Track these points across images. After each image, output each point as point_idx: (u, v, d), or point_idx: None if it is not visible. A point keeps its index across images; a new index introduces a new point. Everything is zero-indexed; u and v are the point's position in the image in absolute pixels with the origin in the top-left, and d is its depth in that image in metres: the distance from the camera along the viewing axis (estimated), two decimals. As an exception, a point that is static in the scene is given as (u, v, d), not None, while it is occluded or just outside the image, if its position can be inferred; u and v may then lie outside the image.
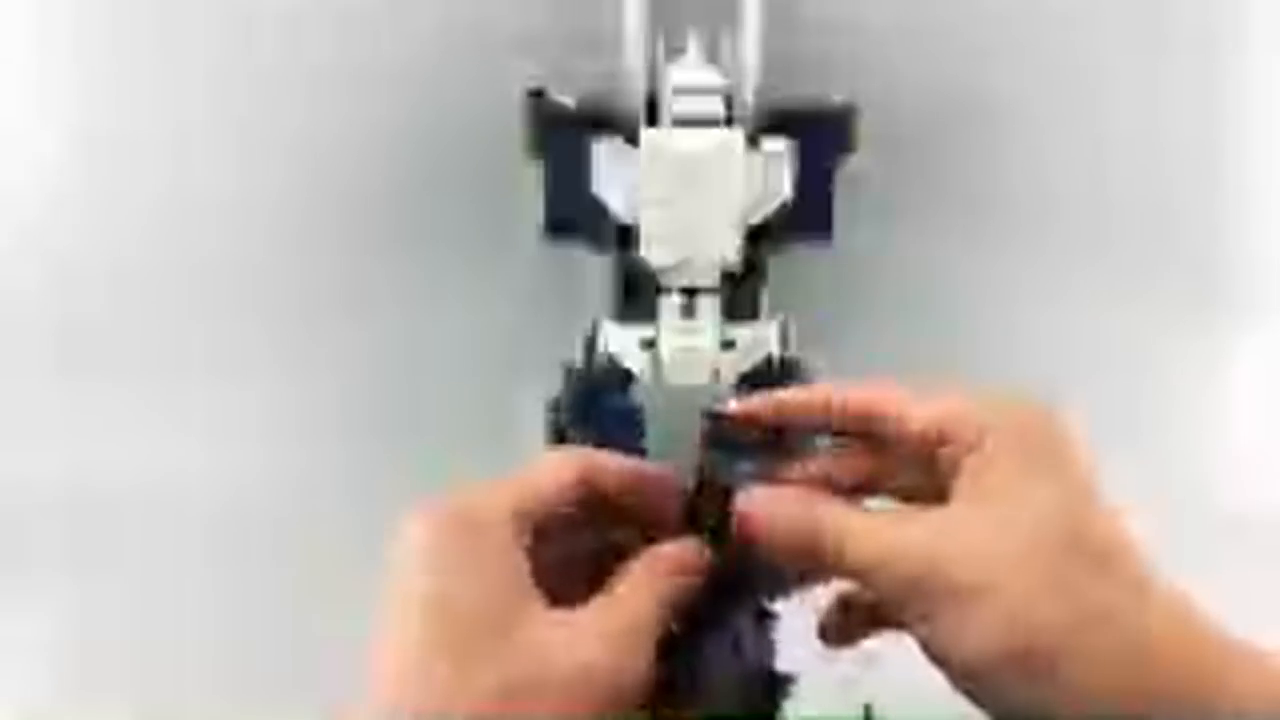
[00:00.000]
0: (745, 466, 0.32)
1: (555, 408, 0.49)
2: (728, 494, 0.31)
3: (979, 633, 0.25)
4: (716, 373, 0.47)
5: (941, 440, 0.29)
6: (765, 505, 0.30)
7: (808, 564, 0.29)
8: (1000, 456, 0.28)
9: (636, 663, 0.26)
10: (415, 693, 0.24)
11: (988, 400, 0.29)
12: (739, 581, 0.32)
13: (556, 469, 0.29)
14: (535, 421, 0.50)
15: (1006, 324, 0.56)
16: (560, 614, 0.26)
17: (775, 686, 0.35)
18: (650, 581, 0.28)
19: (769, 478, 0.32)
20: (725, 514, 0.31)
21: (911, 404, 0.30)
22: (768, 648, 0.36)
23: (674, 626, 0.30)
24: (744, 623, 0.34)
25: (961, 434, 0.28)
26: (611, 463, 0.30)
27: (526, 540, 0.27)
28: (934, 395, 0.30)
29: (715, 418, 0.33)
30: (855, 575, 0.28)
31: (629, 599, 0.27)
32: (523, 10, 0.50)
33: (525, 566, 0.27)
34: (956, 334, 0.56)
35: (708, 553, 0.30)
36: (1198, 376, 0.58)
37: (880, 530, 0.28)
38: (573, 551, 0.30)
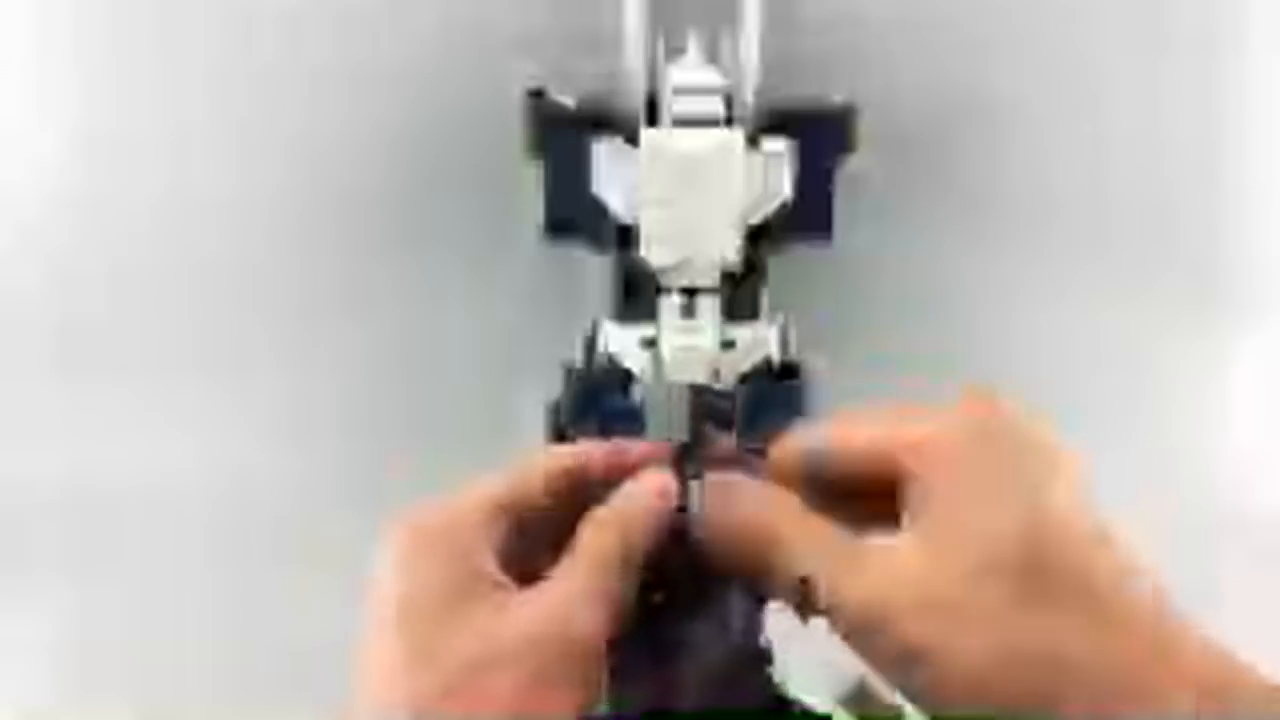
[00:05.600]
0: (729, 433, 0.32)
1: (555, 409, 0.50)
2: (721, 460, 0.31)
3: (931, 689, 0.25)
4: (716, 373, 0.47)
5: (887, 471, 0.28)
6: (721, 502, 0.29)
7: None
8: (943, 483, 0.26)
9: (585, 626, 0.26)
10: (389, 693, 0.25)
11: (936, 418, 0.28)
12: None
13: (541, 462, 0.30)
14: (535, 421, 0.50)
15: (1006, 324, 0.56)
16: (523, 594, 0.27)
17: (763, 663, 0.35)
18: (596, 543, 0.28)
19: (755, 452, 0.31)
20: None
21: (850, 439, 0.29)
22: (757, 624, 0.36)
23: (659, 599, 0.30)
24: (733, 600, 0.33)
25: (903, 461, 0.27)
26: (597, 449, 0.31)
27: (501, 532, 0.28)
28: (868, 422, 0.29)
29: (701, 392, 0.33)
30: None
31: (574, 569, 0.27)
32: (523, 10, 0.50)
33: (488, 558, 0.27)
34: (956, 334, 0.56)
35: (673, 484, 0.30)
36: (1198, 376, 0.58)
37: (834, 567, 0.26)
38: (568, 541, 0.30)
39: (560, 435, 0.50)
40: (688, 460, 0.31)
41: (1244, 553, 0.56)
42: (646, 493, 0.29)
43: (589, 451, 0.31)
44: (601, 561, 0.27)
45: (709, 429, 0.32)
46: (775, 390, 0.48)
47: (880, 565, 0.26)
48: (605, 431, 0.47)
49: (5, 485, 0.57)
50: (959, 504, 0.26)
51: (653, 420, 0.46)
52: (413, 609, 0.26)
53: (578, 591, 0.27)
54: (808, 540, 0.27)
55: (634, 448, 0.31)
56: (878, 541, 0.27)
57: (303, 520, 0.56)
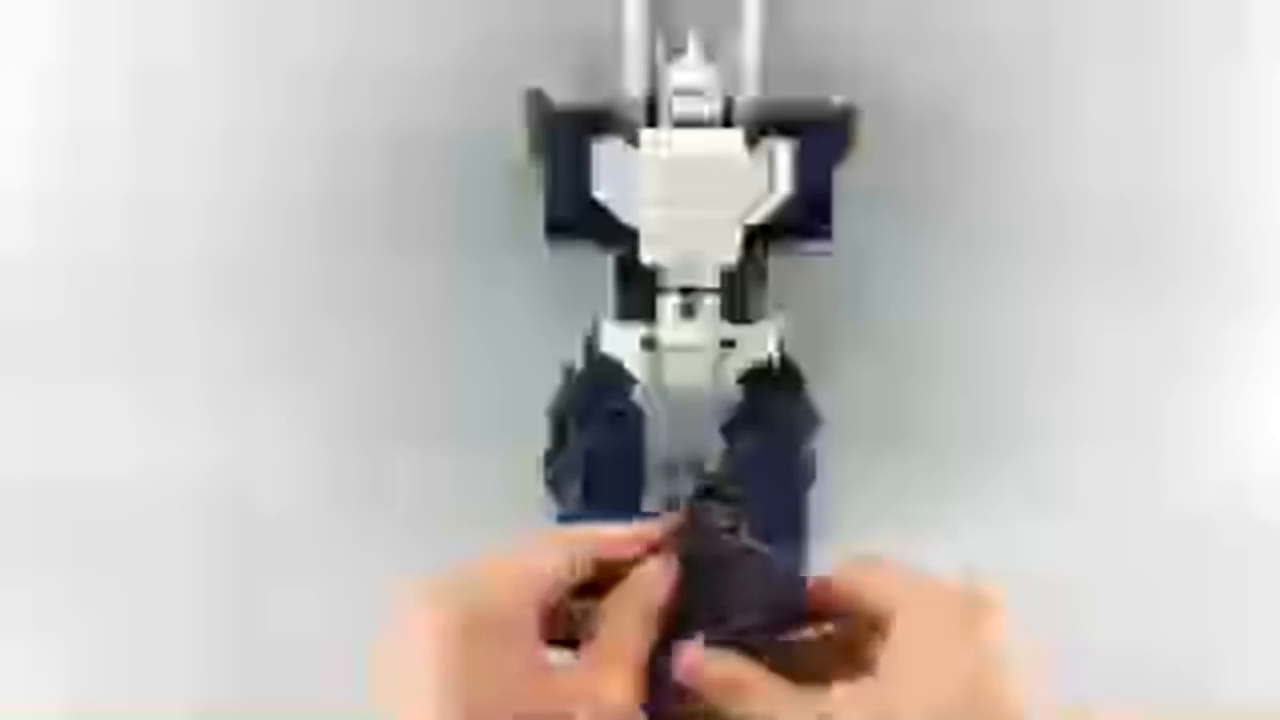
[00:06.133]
0: (724, 509, 0.34)
1: (555, 408, 0.50)
2: (711, 537, 0.33)
3: None
4: (716, 373, 0.47)
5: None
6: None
7: None
8: (901, 645, 0.29)
9: (630, 713, 0.29)
10: None
11: (905, 585, 0.30)
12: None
13: (562, 558, 0.31)
14: (535, 421, 0.50)
15: (1005, 325, 0.56)
16: (563, 684, 0.28)
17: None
18: (627, 635, 0.30)
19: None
20: (706, 553, 0.33)
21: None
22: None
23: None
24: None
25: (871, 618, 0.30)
26: (610, 540, 0.32)
27: (544, 614, 0.29)
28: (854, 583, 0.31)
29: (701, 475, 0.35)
30: None
31: (609, 661, 0.30)
32: (522, 10, 0.50)
33: (535, 648, 0.29)
34: (955, 334, 0.56)
35: (671, 570, 0.32)
36: (1198, 376, 0.58)
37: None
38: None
39: (560, 433, 0.50)
40: (683, 534, 0.33)
41: (1244, 553, 0.56)
42: (652, 583, 0.32)
43: (606, 542, 0.32)
44: (628, 651, 0.30)
45: (704, 507, 0.34)
46: (774, 392, 0.48)
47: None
48: (605, 431, 0.48)
49: (5, 486, 0.57)
50: (910, 667, 0.29)
51: (652, 429, 0.46)
52: (472, 702, 0.27)
53: (619, 701, 0.29)
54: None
55: (646, 533, 0.33)
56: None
57: (302, 520, 0.56)
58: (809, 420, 0.49)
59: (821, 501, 0.50)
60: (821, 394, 0.49)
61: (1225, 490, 0.57)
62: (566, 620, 0.31)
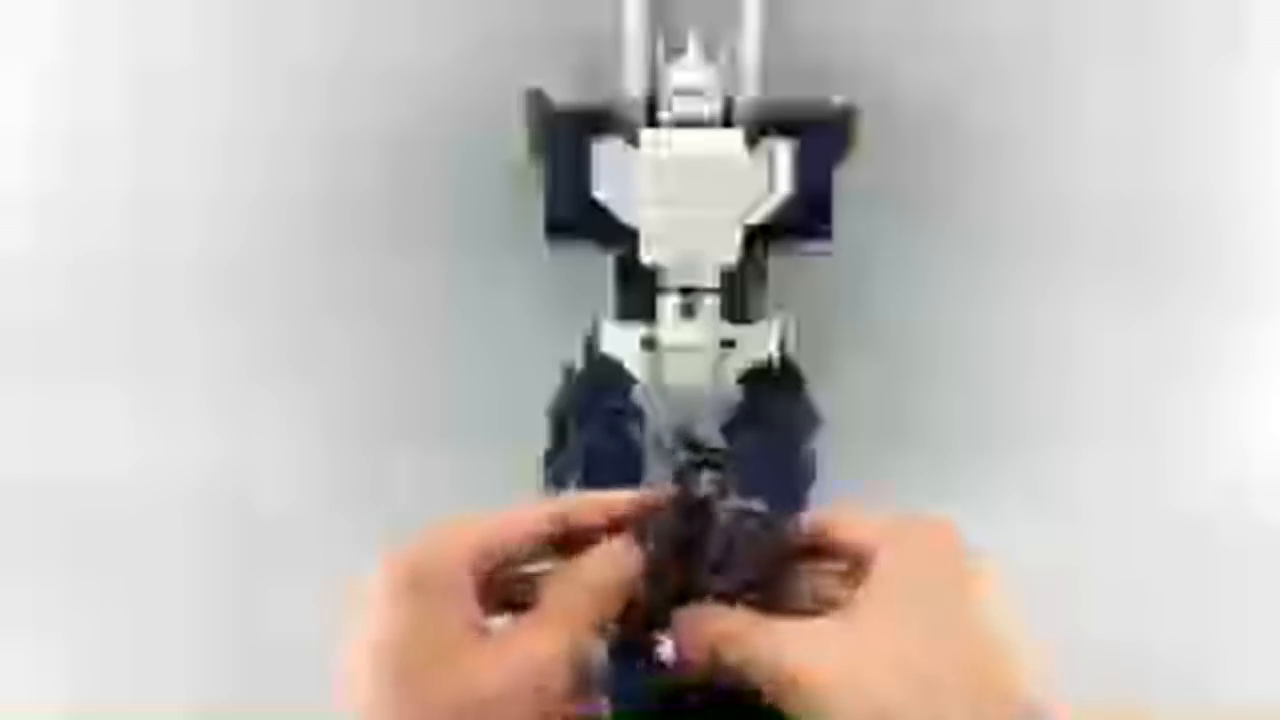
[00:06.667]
0: (711, 476, 0.34)
1: (555, 408, 0.50)
2: (703, 505, 0.33)
3: None
4: (716, 373, 0.47)
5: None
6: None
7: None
8: (882, 582, 0.29)
9: (560, 669, 0.29)
10: None
11: (887, 526, 0.31)
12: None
13: (525, 519, 0.31)
14: (535, 421, 0.50)
15: (1005, 325, 0.56)
16: (497, 640, 0.29)
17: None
18: (572, 602, 0.30)
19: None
20: (700, 526, 0.33)
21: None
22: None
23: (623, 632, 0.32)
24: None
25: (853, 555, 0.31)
26: (578, 504, 0.33)
27: (484, 574, 0.30)
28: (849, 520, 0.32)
29: (690, 446, 0.35)
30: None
31: (548, 622, 0.30)
32: (522, 10, 0.50)
33: (473, 609, 0.29)
34: (955, 334, 0.56)
35: (635, 552, 0.32)
36: (1199, 377, 0.58)
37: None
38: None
39: (560, 433, 0.50)
40: (675, 508, 0.33)
41: (1244, 553, 0.56)
42: (604, 585, 0.31)
43: (576, 507, 0.33)
44: (568, 616, 0.30)
45: (692, 478, 0.34)
46: (774, 392, 0.48)
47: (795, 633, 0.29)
48: (605, 431, 0.48)
49: (5, 486, 0.57)
50: (890, 605, 0.29)
51: (652, 429, 0.46)
52: (398, 657, 0.27)
53: (548, 656, 0.29)
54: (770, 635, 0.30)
55: (617, 503, 0.33)
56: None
57: (302, 520, 0.56)
58: (809, 420, 0.49)
59: (821, 501, 0.50)
60: (821, 394, 0.49)
61: (1225, 490, 0.57)
62: (506, 586, 0.31)
